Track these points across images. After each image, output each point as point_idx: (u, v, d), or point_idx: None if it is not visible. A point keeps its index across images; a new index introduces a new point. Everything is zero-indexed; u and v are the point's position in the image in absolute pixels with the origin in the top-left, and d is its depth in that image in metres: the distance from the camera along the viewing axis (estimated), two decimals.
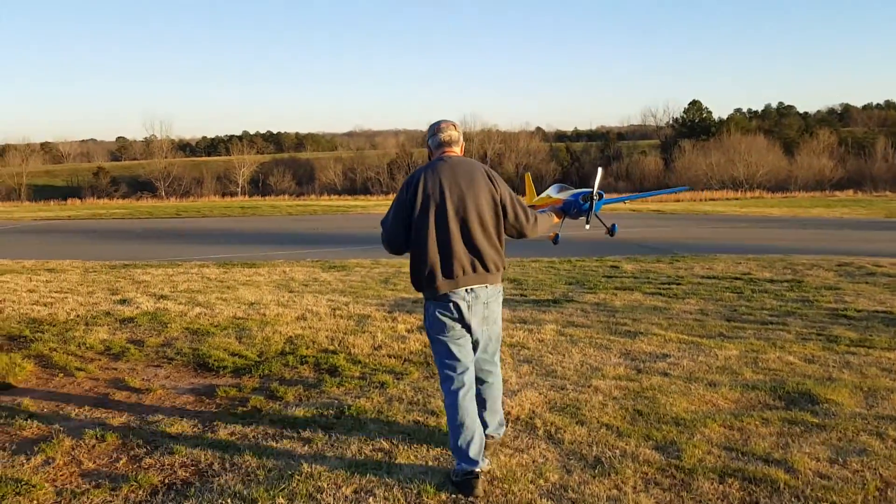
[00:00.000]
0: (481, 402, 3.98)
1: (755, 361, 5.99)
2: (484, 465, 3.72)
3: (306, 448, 4.17)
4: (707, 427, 4.44)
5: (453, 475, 3.68)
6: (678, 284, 10.04)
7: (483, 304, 3.79)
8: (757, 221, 25.02)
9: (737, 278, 10.57)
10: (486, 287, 3.79)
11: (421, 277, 3.74)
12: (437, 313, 3.77)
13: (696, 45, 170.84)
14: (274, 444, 4.23)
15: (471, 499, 3.54)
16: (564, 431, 4.38)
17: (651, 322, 7.56)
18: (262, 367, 5.88)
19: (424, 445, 4.19)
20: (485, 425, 3.96)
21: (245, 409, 4.90)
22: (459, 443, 3.67)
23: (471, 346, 3.85)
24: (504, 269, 3.89)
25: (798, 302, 8.68)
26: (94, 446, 4.27)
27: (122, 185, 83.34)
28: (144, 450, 4.19)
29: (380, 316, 7.94)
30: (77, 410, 4.91)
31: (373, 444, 4.20)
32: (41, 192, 73.48)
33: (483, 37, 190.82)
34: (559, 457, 4.04)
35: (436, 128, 3.90)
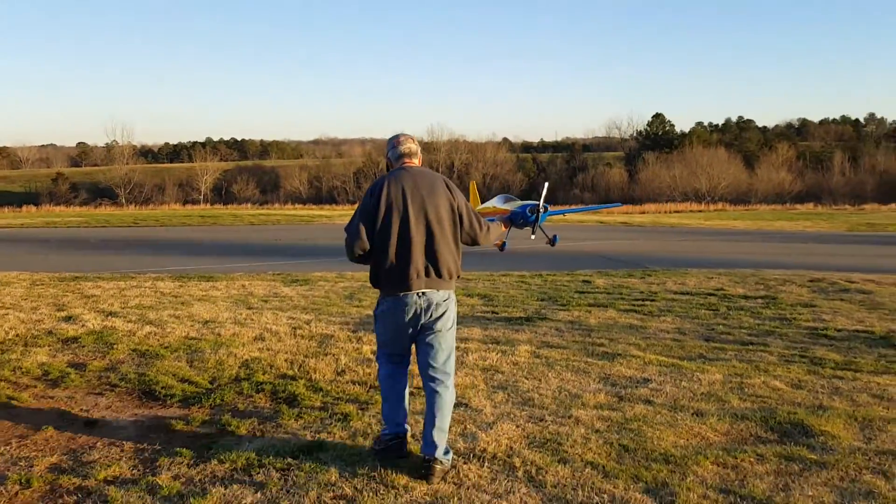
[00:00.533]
0: (430, 417, 4.01)
1: (741, 387, 5.69)
2: (438, 454, 3.94)
3: (258, 495, 3.71)
4: (699, 465, 4.09)
5: (379, 444, 4.16)
6: (652, 301, 9.76)
7: (434, 306, 3.96)
8: (723, 234, 25.08)
9: (710, 294, 10.35)
10: (438, 292, 3.98)
11: (379, 275, 3.97)
12: (388, 308, 4.01)
13: (660, 58, 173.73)
14: (222, 489, 3.76)
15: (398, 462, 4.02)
16: (546, 472, 3.99)
17: (629, 342, 7.23)
18: (213, 395, 5.39)
19: (392, 491, 3.76)
20: (433, 446, 3.94)
21: (192, 446, 4.41)
22: (392, 418, 4.14)
23: (410, 340, 4.09)
24: (459, 276, 4.07)
25: (776, 320, 8.45)
26: (16, 494, 3.75)
27: (81, 192, 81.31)
28: (74, 498, 3.69)
29: (343, 336, 7.48)
30: (1, 450, 4.37)
31: (334, 490, 3.75)
32: None
33: (450, 47, 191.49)
34: (542, 503, 3.65)
35: (395, 141, 4.18)
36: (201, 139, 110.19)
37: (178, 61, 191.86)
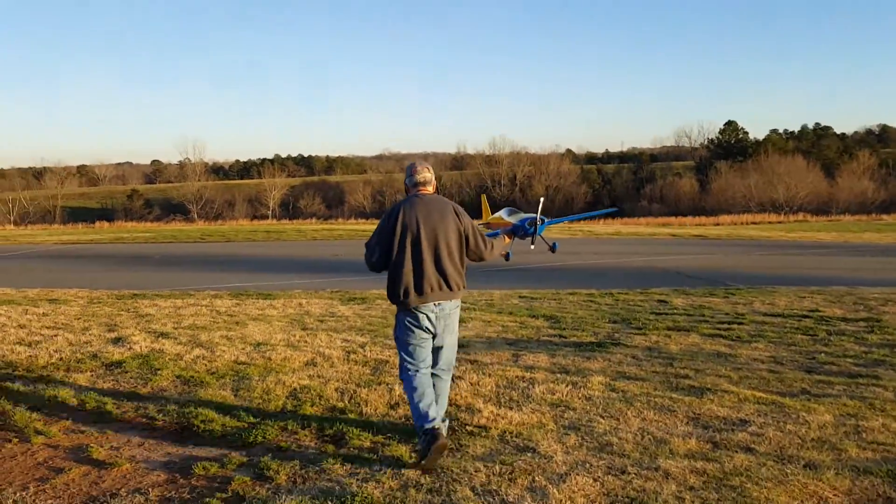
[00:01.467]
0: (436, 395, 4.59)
1: (857, 431, 4.85)
2: (438, 424, 4.39)
3: None
4: None
5: (419, 437, 4.39)
6: (740, 324, 8.87)
7: (446, 315, 4.57)
8: (808, 248, 23.56)
9: (804, 316, 9.36)
10: (450, 302, 4.57)
11: (397, 292, 4.49)
12: (406, 322, 4.57)
13: (730, 65, 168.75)
14: None
15: (437, 446, 4.23)
16: None
17: (718, 374, 6.43)
18: (255, 431, 4.89)
19: None
20: (432, 418, 4.40)
21: (224, 495, 3.91)
22: (421, 409, 4.45)
23: (430, 348, 4.62)
24: (464, 287, 4.64)
25: (884, 347, 7.48)
26: None
27: (155, 208, 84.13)
28: None
29: (398, 362, 6.91)
30: (16, 496, 3.96)
31: None
32: (75, 215, 74.26)
33: (512, 58, 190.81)
34: None
35: (413, 169, 4.69)
36: (270, 156, 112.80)
37: (248, 79, 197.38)
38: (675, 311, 9.97)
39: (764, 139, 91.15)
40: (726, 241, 26.62)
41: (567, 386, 5.99)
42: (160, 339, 8.13)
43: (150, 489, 4.01)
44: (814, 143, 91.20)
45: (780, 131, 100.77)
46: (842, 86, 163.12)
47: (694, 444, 4.61)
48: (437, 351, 4.65)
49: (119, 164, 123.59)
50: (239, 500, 3.85)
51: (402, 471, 4.19)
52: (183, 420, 5.21)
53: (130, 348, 7.59)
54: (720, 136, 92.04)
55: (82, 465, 4.38)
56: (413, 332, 4.56)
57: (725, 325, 8.79)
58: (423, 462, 4.22)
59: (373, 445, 4.64)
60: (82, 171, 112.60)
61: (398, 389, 5.90)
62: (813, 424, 4.99)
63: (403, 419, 5.15)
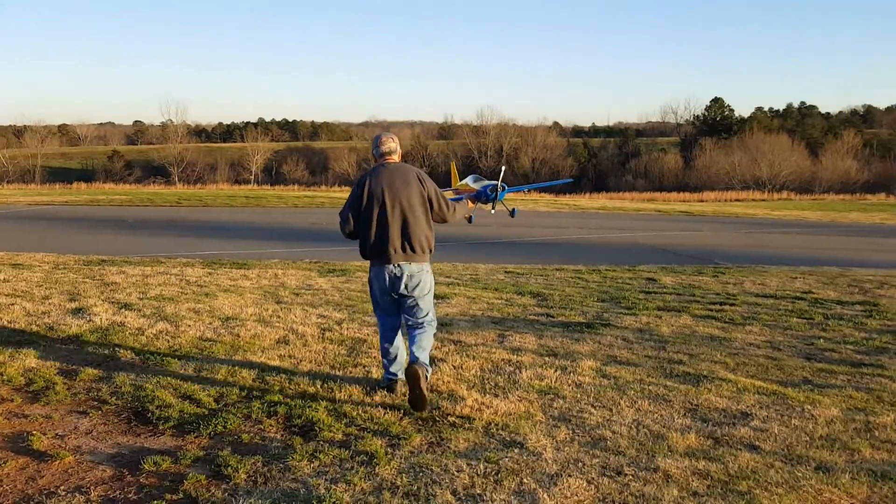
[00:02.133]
0: (413, 340, 4.90)
1: (868, 428, 4.52)
2: (400, 375, 5.00)
3: None
4: None
5: (381, 383, 5.13)
6: (731, 305, 8.54)
7: (408, 276, 4.85)
8: (794, 226, 23.36)
9: (798, 298, 9.06)
10: (411, 264, 4.85)
11: (365, 253, 4.97)
12: (373, 276, 5.00)
13: (716, 42, 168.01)
14: None
15: (392, 395, 4.94)
16: None
17: (713, 359, 6.08)
18: (216, 419, 4.46)
19: None
20: (414, 359, 4.77)
21: (174, 497, 3.48)
22: (387, 361, 5.11)
23: (394, 303, 5.00)
24: (431, 251, 4.96)
25: (885, 334, 7.17)
26: None
27: (135, 170, 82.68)
28: None
29: (375, 342, 6.48)
30: None
31: None
32: (56, 175, 72.75)
33: (501, 29, 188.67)
34: None
35: (378, 141, 5.08)
36: (254, 119, 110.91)
37: (232, 41, 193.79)
38: (665, 290, 9.63)
39: (749, 117, 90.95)
40: (712, 218, 26.38)
41: (556, 371, 5.61)
42: (123, 310, 7.64)
43: (92, 488, 3.57)
44: (798, 121, 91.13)
45: (766, 109, 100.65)
46: (827, 66, 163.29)
47: (694, 440, 4.25)
48: (412, 308, 4.98)
49: (101, 124, 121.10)
50: (191, 502, 3.42)
51: (376, 469, 3.78)
52: (137, 404, 4.76)
53: (90, 320, 7.09)
54: (706, 113, 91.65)
55: (20, 457, 3.93)
56: (377, 288, 5.00)
57: (717, 306, 8.45)
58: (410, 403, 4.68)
59: (345, 438, 4.22)
60: (63, 130, 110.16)
61: (375, 372, 5.48)
62: (820, 419, 4.65)
63: (380, 408, 4.74)
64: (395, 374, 5.08)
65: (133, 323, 7.04)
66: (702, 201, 40.98)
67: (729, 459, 3.97)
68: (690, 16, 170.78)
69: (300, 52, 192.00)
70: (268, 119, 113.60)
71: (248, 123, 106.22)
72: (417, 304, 4.95)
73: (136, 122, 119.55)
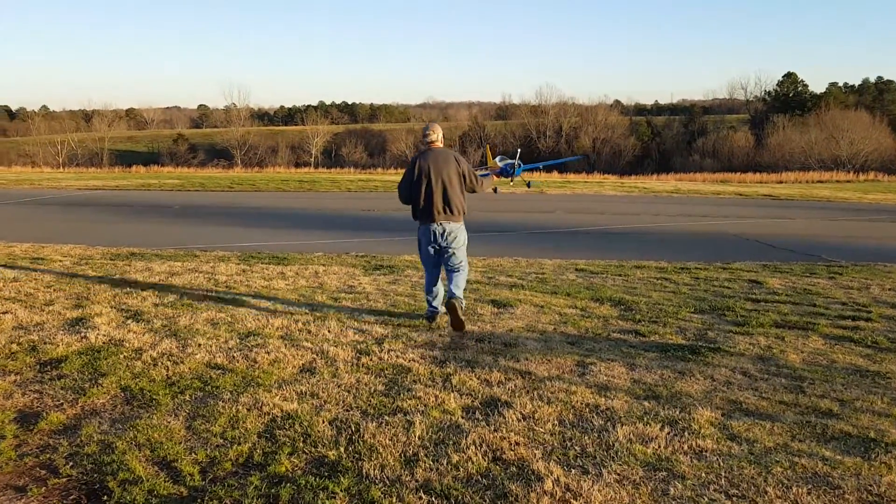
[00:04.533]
0: (451, 280, 6.42)
1: None
2: (441, 310, 6.57)
3: None
4: None
5: (424, 314, 6.71)
6: (867, 320, 6.86)
7: (449, 234, 6.39)
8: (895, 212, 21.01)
9: None
10: (450, 223, 6.39)
11: (416, 214, 6.50)
12: (421, 234, 6.52)
13: (783, 15, 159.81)
14: None
15: (433, 324, 6.45)
16: None
17: (874, 409, 4.50)
18: None
19: None
20: (452, 294, 6.31)
21: None
22: (430, 298, 6.63)
23: (437, 254, 6.49)
24: (465, 213, 6.51)
25: None
26: None
27: (199, 153, 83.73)
28: None
29: (425, 372, 5.14)
30: None
31: None
32: (123, 158, 73.95)
33: (558, 5, 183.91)
34: None
35: (426, 131, 6.60)
36: (314, 103, 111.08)
37: (293, 26, 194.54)
38: (776, 296, 7.97)
39: (824, 92, 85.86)
40: (800, 202, 24.06)
41: (663, 427, 4.14)
42: (129, 321, 6.48)
43: None
44: (875, 97, 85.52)
45: (840, 85, 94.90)
46: None
47: None
48: (450, 257, 6.44)
49: (167, 108, 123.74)
50: None
51: None
52: (96, 476, 3.52)
53: (85, 336, 5.94)
54: (778, 89, 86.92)
55: None
56: (424, 242, 6.48)
57: (850, 322, 6.79)
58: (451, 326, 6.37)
59: None
60: (131, 114, 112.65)
61: (420, 427, 4.12)
62: None
63: (423, 488, 3.37)
64: (437, 308, 6.60)
65: (134, 340, 5.85)
66: (780, 182, 38.16)
67: None
68: None
69: (359, 35, 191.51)
70: (328, 102, 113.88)
71: (308, 107, 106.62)
72: (454, 254, 6.45)
73: (200, 105, 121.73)
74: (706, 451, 3.85)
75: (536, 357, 5.54)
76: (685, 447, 3.90)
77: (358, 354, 5.55)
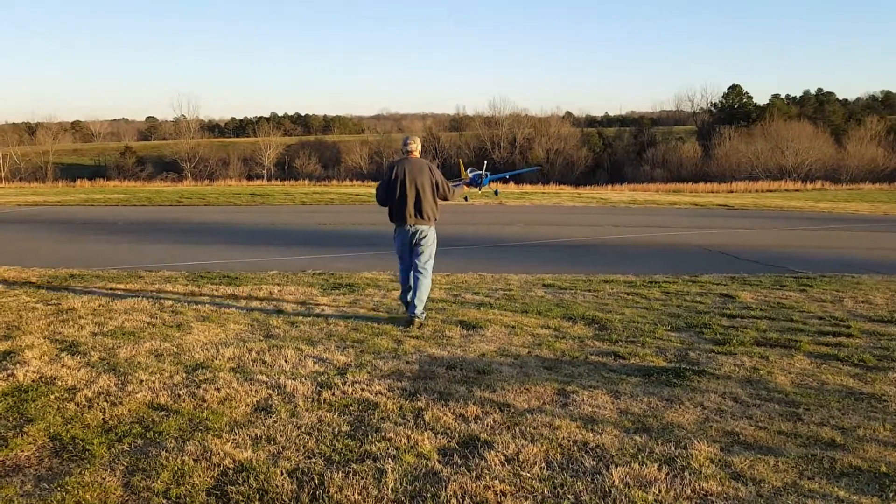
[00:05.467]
0: (413, 294, 7.12)
1: None
2: (417, 312, 7.11)
3: None
4: None
5: (404, 321, 7.15)
6: (848, 336, 6.65)
7: (421, 234, 7.11)
8: (848, 221, 21.30)
9: None
10: (422, 226, 7.11)
11: (393, 218, 7.21)
12: (397, 234, 7.25)
13: (726, 29, 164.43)
14: None
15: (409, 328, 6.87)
16: None
17: (878, 438, 4.22)
18: None
19: None
20: (413, 308, 7.08)
21: None
22: (408, 298, 7.23)
23: (410, 253, 7.19)
24: (436, 218, 7.20)
25: None
26: None
27: (147, 165, 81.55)
28: None
29: (394, 407, 4.68)
30: None
31: None
32: (68, 171, 71.50)
33: (510, 19, 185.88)
34: None
35: (406, 141, 7.34)
36: (266, 114, 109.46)
37: (244, 36, 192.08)
38: (750, 311, 7.74)
39: (768, 104, 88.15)
40: (755, 212, 24.30)
41: (660, 467, 3.76)
42: (64, 354, 5.86)
43: None
44: (817, 108, 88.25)
45: (783, 96, 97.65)
46: (842, 51, 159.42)
47: None
48: (419, 254, 7.12)
49: (114, 120, 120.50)
50: None
51: None
52: None
53: (11, 374, 5.30)
54: (724, 101, 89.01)
55: None
56: (399, 241, 7.21)
57: (831, 338, 6.57)
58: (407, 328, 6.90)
59: None
60: (77, 126, 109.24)
61: (392, 474, 3.65)
62: None
63: None
64: (415, 308, 7.10)
65: (68, 377, 5.25)
66: (731, 192, 38.77)
67: None
68: (699, 2, 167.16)
69: (312, 46, 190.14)
70: (280, 114, 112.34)
71: (260, 118, 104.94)
72: (423, 252, 7.14)
73: (149, 117, 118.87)
74: (712, 496, 3.48)
75: (513, 385, 5.13)
76: (688, 491, 3.52)
77: (319, 388, 5.05)
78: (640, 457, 3.90)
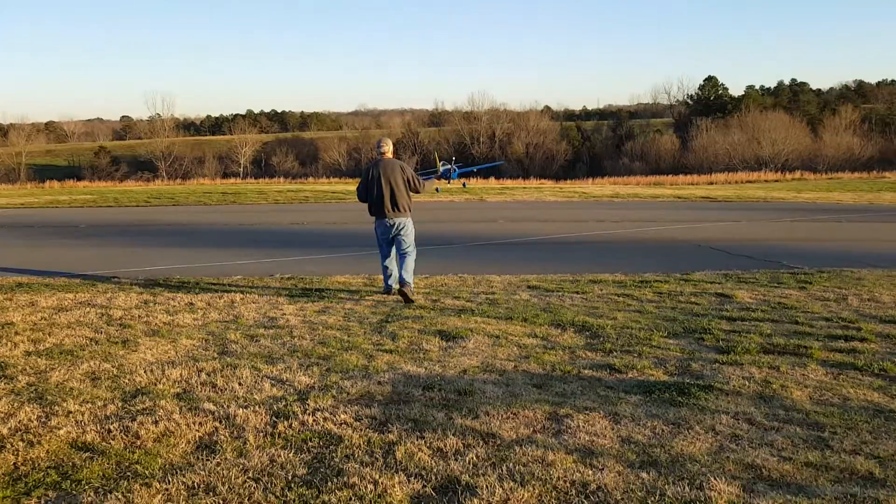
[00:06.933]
0: (400, 268, 8.03)
1: None
2: (395, 286, 8.05)
3: None
4: None
5: (381, 290, 8.38)
6: (862, 340, 6.09)
7: (399, 226, 8.01)
8: (834, 211, 20.93)
9: None
10: (399, 219, 8.00)
11: (372, 212, 8.11)
12: (377, 227, 8.16)
13: (702, 20, 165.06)
14: None
15: (389, 296, 8.07)
16: None
17: None
18: None
19: None
20: (403, 281, 7.87)
21: None
22: (386, 276, 8.21)
23: (391, 244, 8.14)
24: (410, 210, 8.10)
25: None
26: None
27: (122, 165, 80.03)
28: None
29: (361, 441, 4.02)
30: None
31: None
32: (42, 173, 69.90)
33: (488, 13, 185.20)
34: None
35: (379, 143, 8.24)
36: (242, 111, 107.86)
37: (218, 32, 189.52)
38: (751, 312, 7.17)
39: (743, 95, 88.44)
40: (739, 205, 23.86)
41: None
42: None
43: None
44: (791, 98, 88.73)
45: (757, 87, 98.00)
46: (815, 40, 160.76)
47: None
48: (400, 242, 8.09)
49: (88, 120, 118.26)
50: None
51: None
52: None
53: None
54: (700, 92, 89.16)
55: None
56: (379, 233, 8.17)
57: (843, 343, 6.01)
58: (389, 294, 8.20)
59: None
60: (50, 127, 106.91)
61: None
62: None
63: None
64: (391, 286, 8.11)
65: None
66: (712, 183, 38.48)
67: None
68: None
69: (288, 41, 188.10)
70: (256, 111, 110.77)
71: (236, 115, 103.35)
72: (404, 240, 8.04)
73: (123, 117, 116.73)
74: None
75: (499, 409, 4.50)
76: None
77: (274, 419, 4.38)
78: (649, 501, 3.28)
